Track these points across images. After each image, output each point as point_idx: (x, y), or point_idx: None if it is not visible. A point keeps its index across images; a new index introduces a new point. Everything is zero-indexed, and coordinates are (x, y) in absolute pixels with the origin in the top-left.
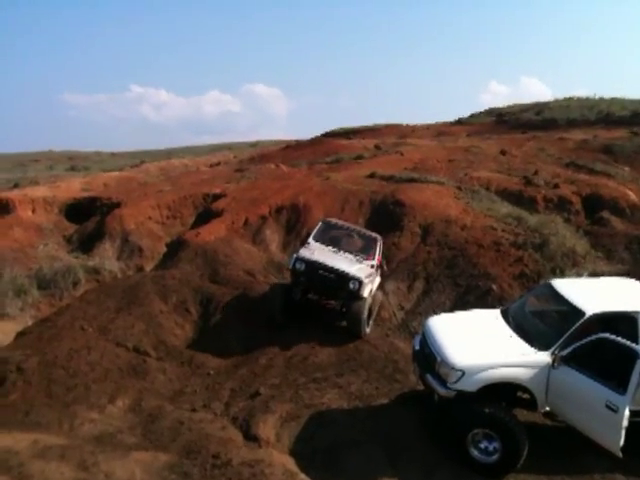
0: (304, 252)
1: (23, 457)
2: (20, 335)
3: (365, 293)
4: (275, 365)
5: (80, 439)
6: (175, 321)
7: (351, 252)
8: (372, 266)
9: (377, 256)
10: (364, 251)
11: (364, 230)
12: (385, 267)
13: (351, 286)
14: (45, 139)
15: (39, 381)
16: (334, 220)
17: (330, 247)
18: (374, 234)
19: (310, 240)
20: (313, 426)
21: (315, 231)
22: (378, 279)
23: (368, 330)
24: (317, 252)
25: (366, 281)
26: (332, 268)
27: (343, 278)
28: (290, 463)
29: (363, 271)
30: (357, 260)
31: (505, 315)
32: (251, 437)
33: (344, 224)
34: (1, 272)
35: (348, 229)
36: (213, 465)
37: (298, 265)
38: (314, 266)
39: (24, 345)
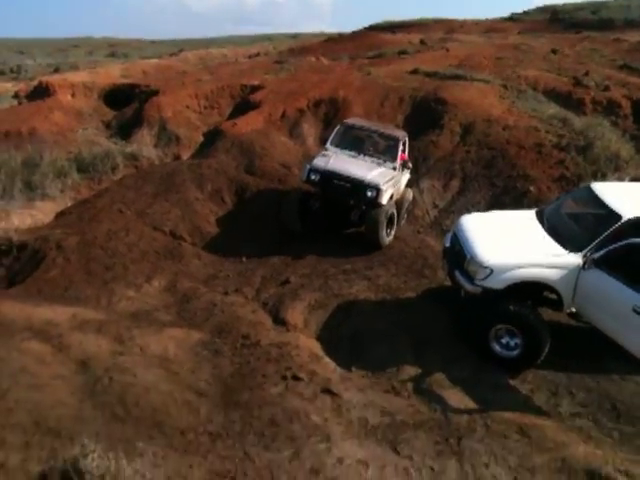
0: (318, 161)
1: (62, 328)
2: (60, 215)
3: (384, 200)
4: (305, 256)
5: (117, 314)
6: (210, 209)
7: (372, 155)
8: (394, 168)
9: (399, 155)
10: (386, 152)
11: (387, 129)
12: (409, 164)
13: (369, 194)
14: (85, 25)
15: (78, 259)
16: (354, 121)
17: (349, 151)
18: (397, 132)
19: (328, 145)
20: (340, 315)
21: (333, 134)
22: (406, 177)
23: (390, 239)
24: (333, 159)
25: (385, 187)
26: (348, 177)
27: (359, 186)
28: (316, 347)
29: (383, 176)
30: (377, 164)
31: (540, 216)
32: (280, 321)
33: (364, 124)
34: (42, 154)
35: (369, 130)
36: (243, 344)
37: (313, 176)
38: (329, 175)
39: (64, 224)
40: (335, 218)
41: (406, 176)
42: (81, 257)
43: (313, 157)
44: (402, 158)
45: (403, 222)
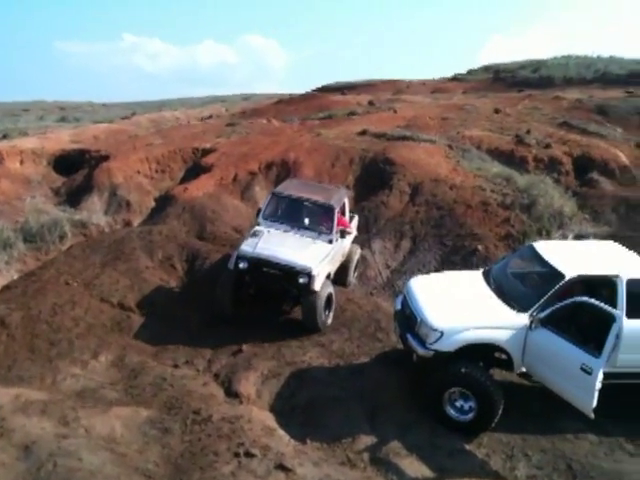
0: (246, 246)
1: (5, 412)
2: (5, 289)
3: (317, 286)
4: (258, 323)
5: (62, 394)
6: (160, 277)
7: (307, 227)
8: (330, 240)
9: (335, 225)
10: (321, 223)
11: (321, 195)
12: (349, 230)
13: (301, 280)
14: (37, 88)
15: (22, 335)
16: (285, 188)
17: (282, 225)
18: (332, 198)
19: (259, 218)
20: (294, 383)
21: (264, 206)
22: (349, 239)
23: (329, 320)
24: (262, 240)
25: (317, 271)
26: (277, 263)
27: (290, 272)
28: (270, 419)
29: (316, 256)
30: (312, 238)
31: (486, 276)
32: (232, 393)
33: (295, 193)
34: None
35: (301, 199)
36: (194, 421)
37: (241, 264)
38: (257, 262)
39: (8, 299)
40: (271, 303)
41: (349, 238)
42: (25, 333)
43: (242, 239)
44: (341, 223)
45: (354, 281)
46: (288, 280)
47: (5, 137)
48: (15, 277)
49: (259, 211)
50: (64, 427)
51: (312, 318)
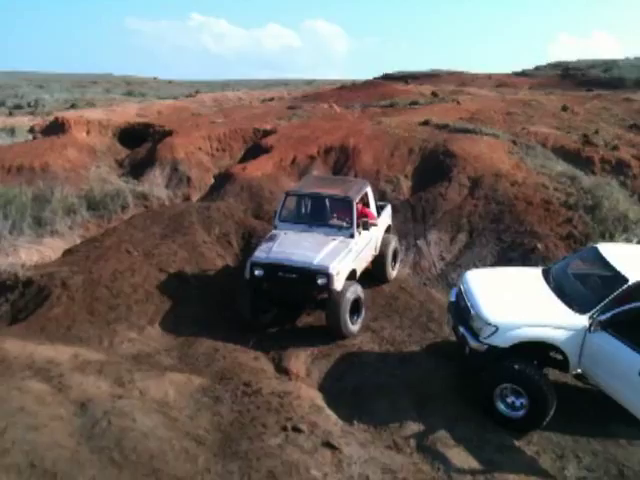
0: (260, 252)
1: (63, 369)
2: (67, 252)
3: (338, 285)
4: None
5: (118, 356)
6: (217, 252)
7: (324, 225)
8: (351, 235)
9: (355, 219)
10: (340, 218)
11: (337, 189)
12: (372, 221)
13: (319, 282)
14: (105, 62)
15: (83, 298)
16: (299, 187)
17: (299, 225)
18: (350, 190)
19: (276, 221)
20: (343, 366)
21: (279, 207)
22: (376, 235)
23: (357, 327)
24: (277, 244)
25: (337, 270)
26: (292, 266)
27: (307, 274)
28: (318, 398)
29: (335, 254)
30: (332, 236)
31: (546, 275)
32: (282, 370)
33: (309, 190)
34: (53, 190)
35: (316, 195)
36: (244, 392)
37: (257, 272)
38: (272, 268)
39: (71, 262)
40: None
41: (377, 230)
42: (86, 296)
43: (258, 244)
44: (364, 214)
45: (395, 272)
46: (307, 283)
47: (73, 107)
48: (78, 242)
49: (275, 214)
50: (119, 388)
51: (336, 322)
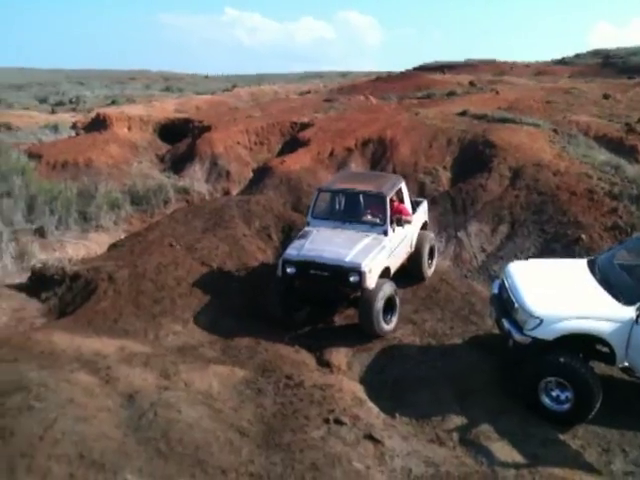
0: (292, 249)
1: (110, 361)
2: (113, 247)
3: (371, 283)
4: None
5: (164, 349)
6: (257, 245)
7: (357, 222)
8: (385, 232)
9: (388, 215)
10: (373, 215)
11: (369, 185)
12: (406, 218)
13: (351, 279)
14: (141, 58)
15: (128, 291)
16: (331, 183)
17: (332, 222)
18: (383, 186)
19: (308, 217)
20: (384, 359)
21: (311, 204)
22: (411, 231)
23: (391, 326)
24: (309, 241)
25: (369, 268)
26: (323, 264)
27: (339, 272)
28: (360, 391)
29: (367, 251)
30: (363, 233)
31: (591, 266)
32: (323, 363)
33: (341, 186)
34: (97, 186)
35: (349, 191)
36: (286, 385)
37: (289, 269)
38: (304, 265)
39: (116, 256)
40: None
41: (413, 227)
42: (131, 290)
43: (290, 241)
44: (398, 210)
45: (432, 270)
46: (339, 281)
47: (114, 103)
48: (122, 236)
49: (307, 210)
50: (165, 380)
51: (368, 321)
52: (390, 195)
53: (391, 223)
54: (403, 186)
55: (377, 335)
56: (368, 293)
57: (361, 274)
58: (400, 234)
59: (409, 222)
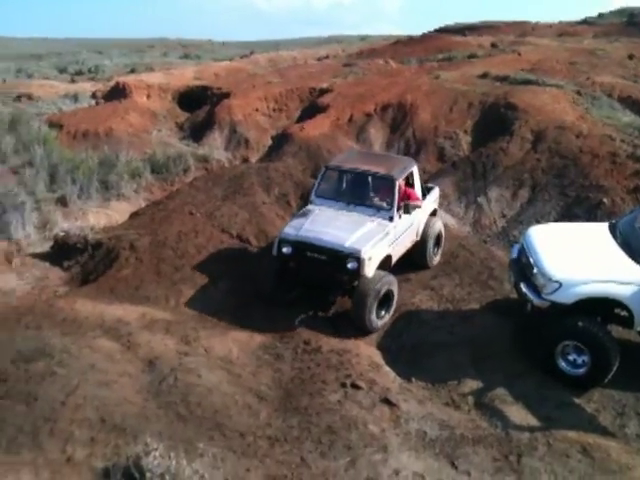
0: (290, 228)
1: (132, 327)
2: (134, 215)
3: (369, 271)
4: None
5: (184, 315)
6: (276, 212)
7: (363, 204)
8: (391, 218)
9: (396, 199)
10: (380, 198)
11: (380, 166)
12: (415, 203)
13: (349, 266)
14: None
15: (149, 259)
16: (341, 161)
17: (336, 202)
18: (394, 169)
19: (312, 196)
20: (402, 324)
21: (317, 182)
22: (419, 218)
23: (382, 322)
24: (309, 221)
25: (368, 255)
26: (321, 246)
27: (337, 256)
28: (376, 356)
29: (369, 237)
30: (368, 217)
31: (612, 229)
32: (341, 329)
33: (351, 165)
34: (118, 155)
35: (358, 171)
36: (304, 350)
37: (285, 248)
38: (301, 246)
39: (137, 225)
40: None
41: (421, 213)
42: (152, 257)
43: (289, 221)
44: (408, 196)
45: (438, 258)
46: (336, 266)
47: (133, 71)
48: (143, 205)
49: (312, 187)
50: (185, 345)
51: (360, 313)
52: (400, 179)
53: (398, 209)
54: (415, 170)
55: (367, 329)
56: (365, 283)
57: (360, 261)
58: (406, 221)
59: (418, 207)
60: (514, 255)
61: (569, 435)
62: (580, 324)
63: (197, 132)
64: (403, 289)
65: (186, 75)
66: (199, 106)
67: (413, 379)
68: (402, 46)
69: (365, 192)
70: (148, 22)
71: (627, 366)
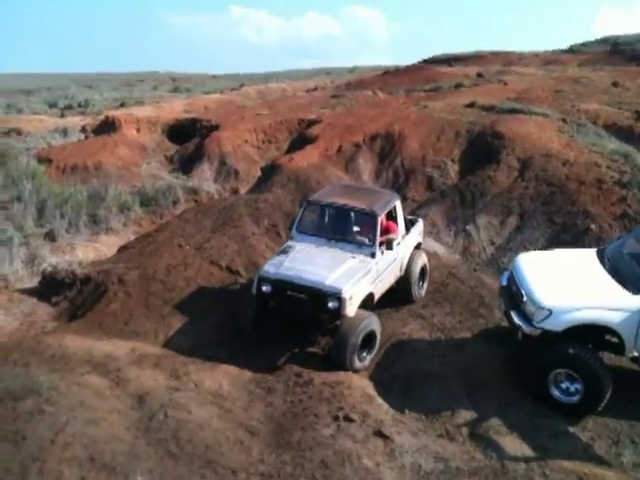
0: (270, 266)
1: (121, 363)
2: (123, 249)
3: (350, 311)
4: None
5: (174, 350)
6: (266, 244)
7: (344, 240)
8: (373, 254)
9: (378, 235)
10: (362, 234)
11: (362, 201)
12: (394, 236)
13: (330, 305)
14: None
15: (138, 293)
16: (322, 196)
17: (317, 238)
18: (376, 204)
19: (293, 231)
20: (393, 354)
21: (298, 217)
22: (403, 253)
23: (365, 363)
24: (289, 258)
25: (350, 294)
26: (302, 285)
27: (317, 296)
28: (369, 387)
29: (350, 275)
30: (349, 254)
31: (600, 256)
32: (332, 361)
33: (332, 200)
34: (107, 188)
35: (339, 206)
36: (296, 382)
37: (264, 287)
38: (281, 285)
39: (126, 258)
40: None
41: (405, 248)
42: (141, 291)
43: (270, 258)
44: (387, 227)
45: (423, 292)
46: (317, 306)
47: (122, 105)
48: (132, 238)
49: (293, 223)
50: (175, 380)
51: (340, 355)
52: (382, 214)
53: (380, 245)
54: (398, 204)
55: (346, 369)
56: (346, 324)
57: (341, 300)
58: (389, 257)
59: (395, 240)
60: (504, 283)
61: (565, 465)
62: (571, 352)
63: (186, 164)
64: (394, 318)
65: (176, 108)
66: (189, 139)
67: (406, 410)
68: (390, 77)
69: (347, 227)
70: (138, 56)
71: (620, 393)
